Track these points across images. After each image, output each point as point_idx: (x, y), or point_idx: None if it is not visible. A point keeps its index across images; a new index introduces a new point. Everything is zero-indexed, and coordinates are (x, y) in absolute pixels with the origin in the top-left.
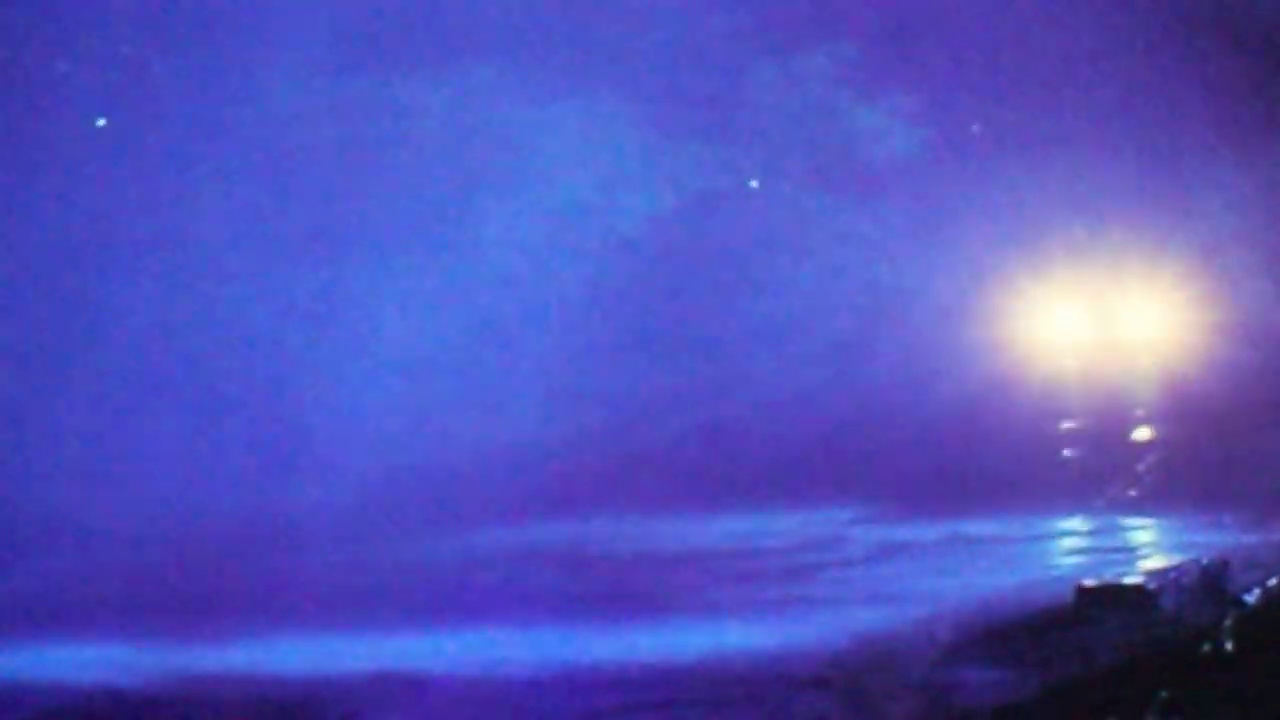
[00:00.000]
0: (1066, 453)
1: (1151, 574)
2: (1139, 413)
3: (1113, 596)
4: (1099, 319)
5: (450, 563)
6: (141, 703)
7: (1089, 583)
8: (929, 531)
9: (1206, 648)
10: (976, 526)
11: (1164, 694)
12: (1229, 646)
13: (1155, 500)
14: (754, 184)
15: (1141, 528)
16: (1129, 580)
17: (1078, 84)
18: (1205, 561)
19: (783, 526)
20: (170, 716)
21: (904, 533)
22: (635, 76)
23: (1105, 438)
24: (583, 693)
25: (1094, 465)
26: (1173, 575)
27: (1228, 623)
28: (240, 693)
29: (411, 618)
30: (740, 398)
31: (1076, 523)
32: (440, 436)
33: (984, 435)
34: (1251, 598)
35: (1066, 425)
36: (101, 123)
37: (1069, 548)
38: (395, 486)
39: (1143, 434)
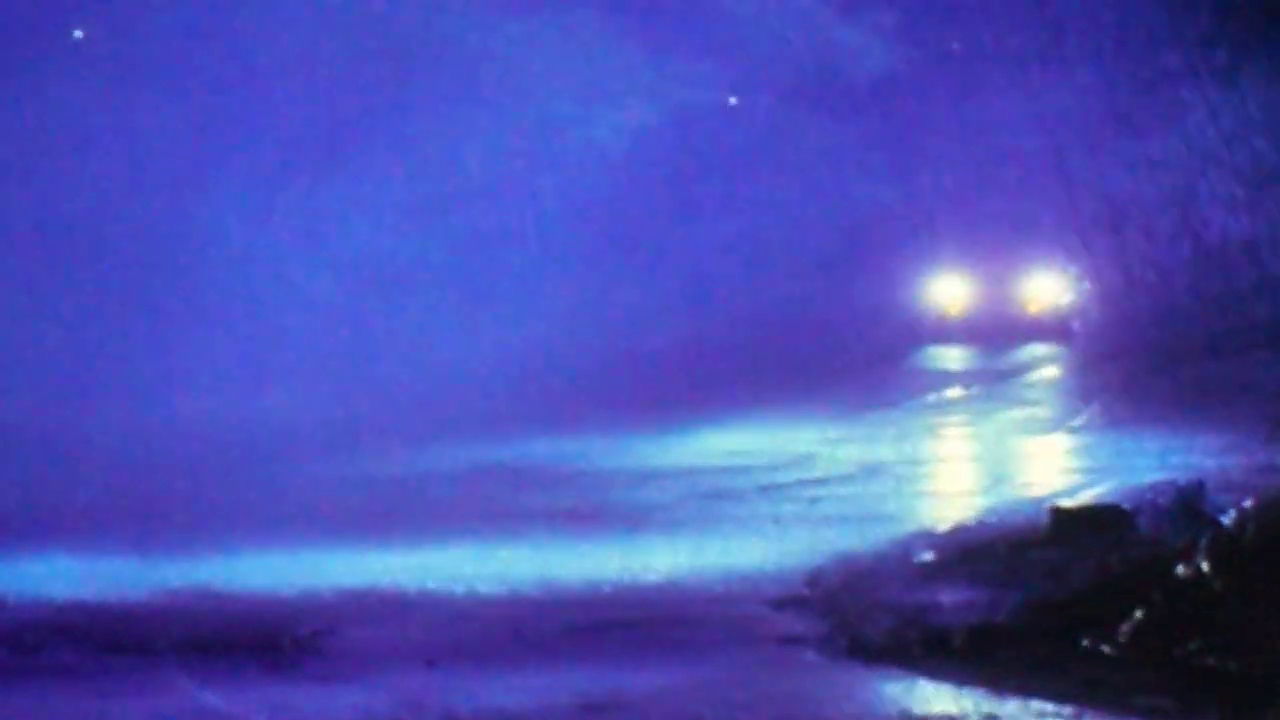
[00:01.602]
0: (1048, 372)
1: (1127, 494)
2: (1115, 332)
3: (1088, 517)
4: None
5: (422, 478)
6: (113, 616)
7: (1065, 503)
8: (904, 450)
9: (1181, 568)
10: (950, 445)
11: (1139, 613)
12: (1204, 567)
13: (1131, 421)
14: (733, 100)
15: (1117, 448)
16: (1105, 501)
17: (1062, 4)
18: (1181, 482)
19: (758, 444)
20: (142, 630)
21: (880, 451)
22: None
23: (1083, 358)
24: (555, 610)
25: (1072, 386)
26: (1149, 496)
27: (1203, 543)
28: (211, 607)
29: (384, 534)
30: (717, 312)
31: (1052, 442)
32: (416, 349)
33: (957, 356)
34: (1227, 519)
35: (1043, 346)
36: (78, 34)
37: (1045, 467)
38: (370, 400)
39: (1120, 354)
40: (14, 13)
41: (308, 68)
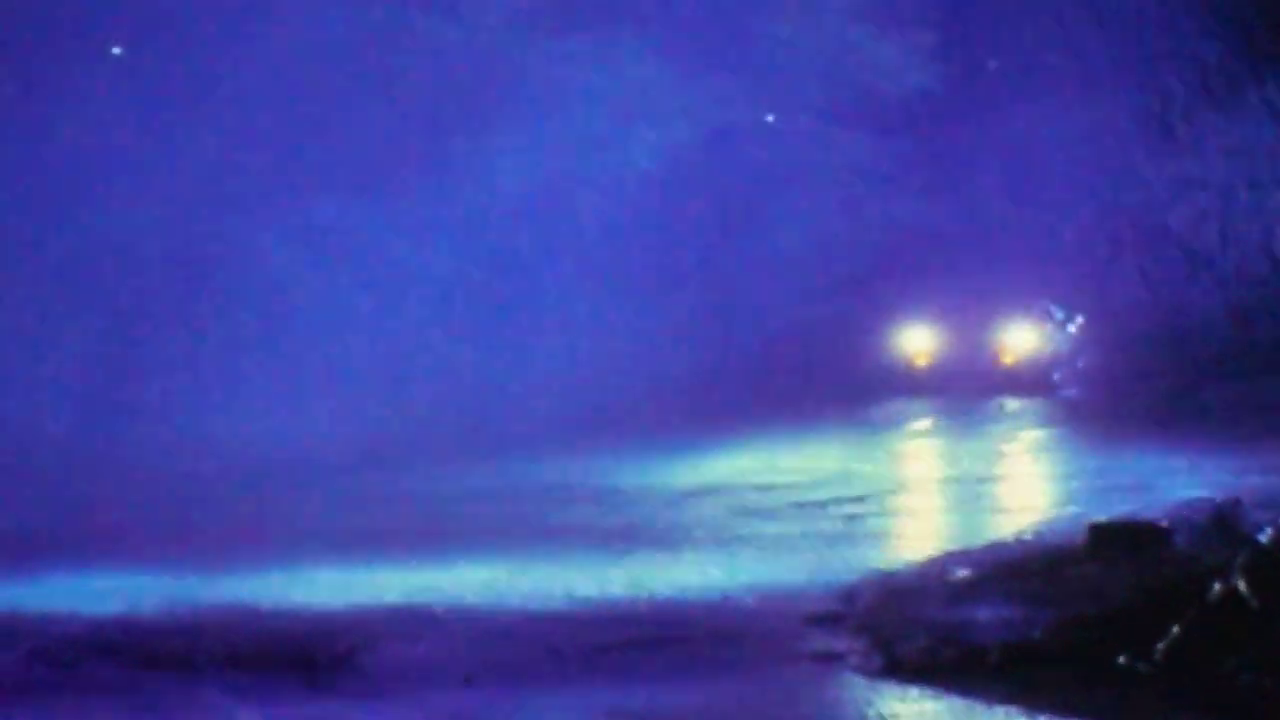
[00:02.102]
0: (1071, 392)
1: (1164, 512)
2: (1151, 351)
3: (1126, 534)
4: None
5: (458, 496)
6: (151, 632)
7: (1102, 520)
8: (940, 467)
9: (1218, 586)
10: (988, 463)
11: (1176, 631)
12: (1241, 585)
13: (1168, 439)
14: (770, 118)
15: (1155, 466)
16: (1142, 518)
17: (1095, 22)
18: (1218, 500)
19: (793, 461)
20: (180, 646)
21: (916, 468)
22: (650, 8)
23: (1117, 377)
24: (591, 627)
25: (1107, 404)
26: (1185, 513)
27: (1240, 561)
28: (248, 624)
29: (421, 551)
30: (753, 331)
31: (1089, 460)
32: (452, 368)
33: (1002, 372)
34: (1264, 536)
35: (1079, 364)
36: (117, 51)
37: (1081, 485)
38: (407, 418)
39: (1156, 373)
40: (52, 29)
41: (346, 86)
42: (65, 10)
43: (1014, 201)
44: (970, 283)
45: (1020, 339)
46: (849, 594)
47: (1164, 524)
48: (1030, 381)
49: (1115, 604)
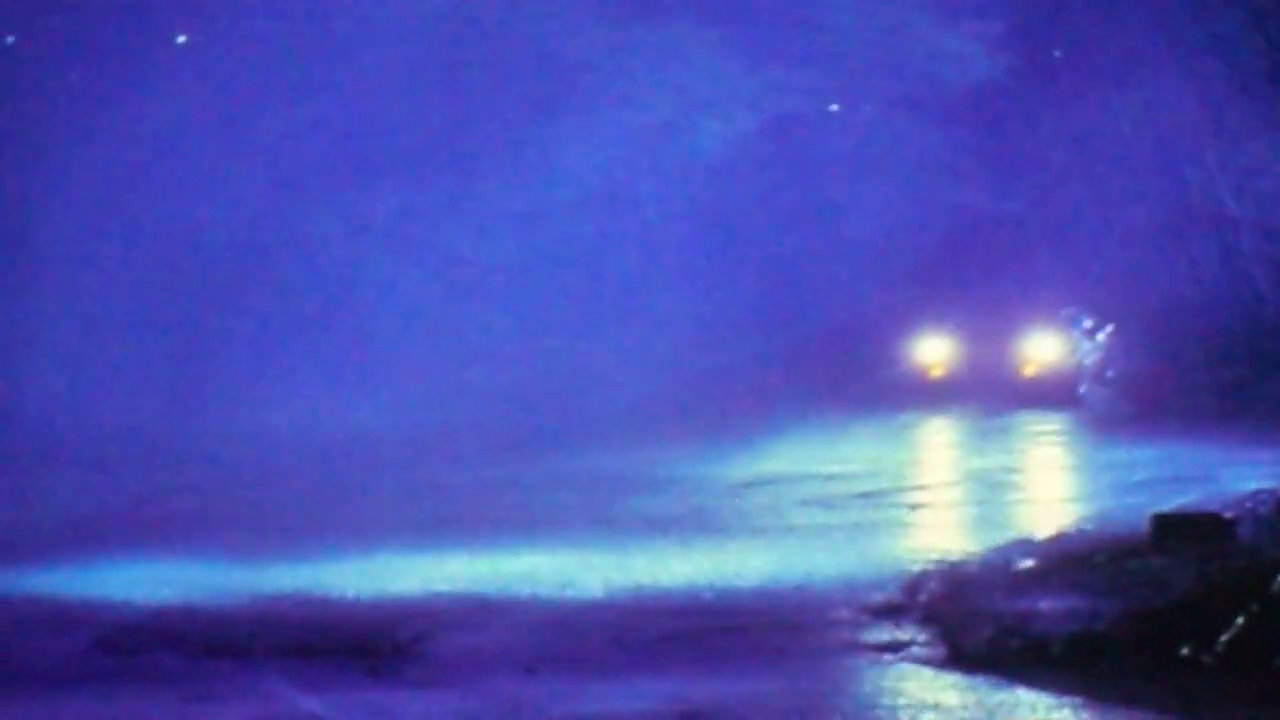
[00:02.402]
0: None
1: (1227, 503)
2: (1218, 340)
3: (1189, 526)
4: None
5: (524, 484)
6: (213, 621)
7: (1165, 512)
8: (1005, 457)
9: None
10: (1048, 451)
11: (1239, 623)
12: None
13: (1231, 429)
14: (834, 107)
15: (1217, 457)
16: (1205, 510)
17: (1162, 11)
18: None
19: (858, 451)
20: (241, 634)
21: (980, 459)
22: None
23: (1185, 368)
24: (655, 615)
25: (1169, 394)
26: (1249, 505)
27: None
28: (310, 612)
29: (486, 539)
30: (817, 320)
31: (1153, 451)
32: (516, 357)
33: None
34: None
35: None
36: (181, 40)
37: (1145, 476)
38: (471, 406)
39: (1222, 363)
40: (118, 18)
41: (410, 77)
42: (139, 2)
43: (1078, 190)
44: (997, 287)
45: (1045, 348)
46: (912, 584)
47: (1228, 516)
48: (1055, 394)
49: (1178, 596)
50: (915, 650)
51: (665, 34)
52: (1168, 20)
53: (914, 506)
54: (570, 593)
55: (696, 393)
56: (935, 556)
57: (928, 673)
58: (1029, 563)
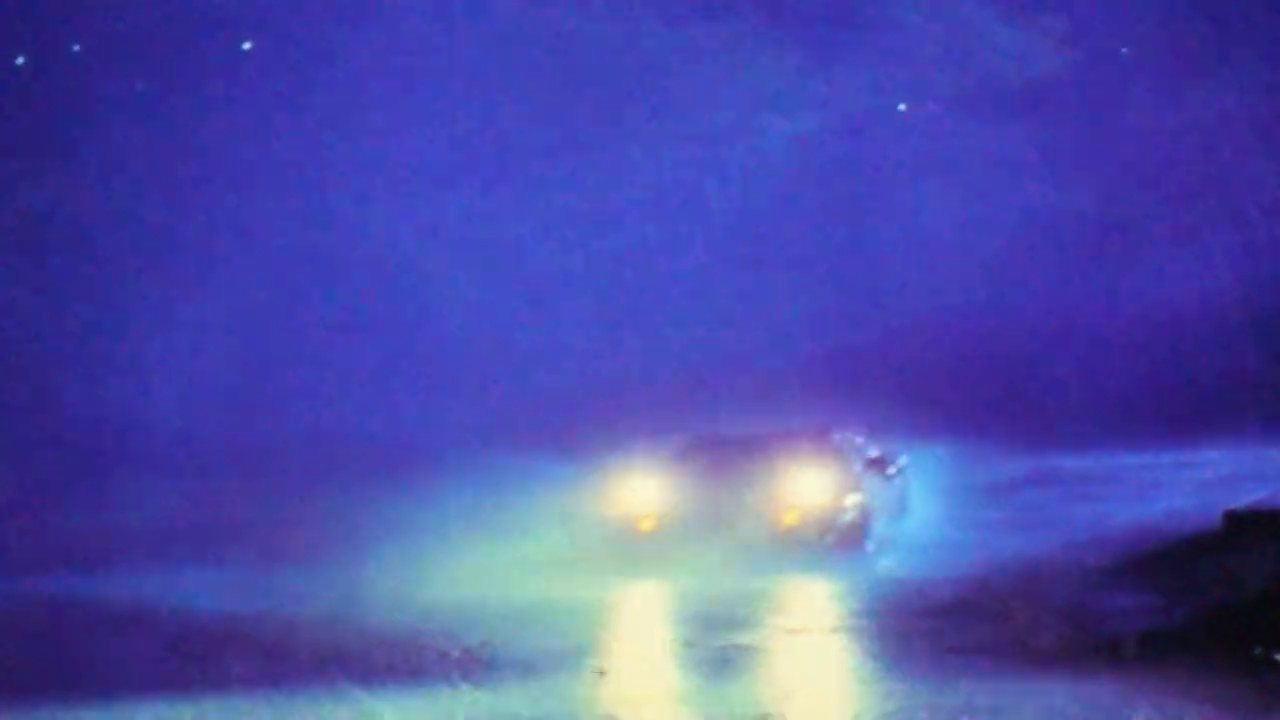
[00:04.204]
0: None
1: None
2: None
3: (1263, 522)
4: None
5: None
6: (284, 625)
7: (1238, 508)
8: (1078, 460)
9: None
10: (1126, 453)
11: None
12: None
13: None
14: (902, 107)
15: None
16: (1278, 506)
17: (1226, 7)
18: None
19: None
20: (310, 640)
21: (1052, 460)
22: None
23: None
24: (715, 621)
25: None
26: None
27: None
28: (381, 616)
29: (551, 544)
30: (884, 319)
31: (1225, 449)
32: (581, 357)
33: (1162, 361)
34: None
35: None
36: (247, 46)
37: (1218, 474)
38: (536, 406)
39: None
40: (184, 24)
41: (474, 77)
42: (205, 8)
43: (1142, 188)
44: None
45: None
46: (983, 582)
47: None
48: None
49: (1252, 594)
50: (987, 648)
51: (733, 34)
52: (1236, 17)
53: (985, 506)
54: (634, 599)
55: (762, 391)
56: (1006, 554)
57: (999, 670)
58: (1101, 560)
